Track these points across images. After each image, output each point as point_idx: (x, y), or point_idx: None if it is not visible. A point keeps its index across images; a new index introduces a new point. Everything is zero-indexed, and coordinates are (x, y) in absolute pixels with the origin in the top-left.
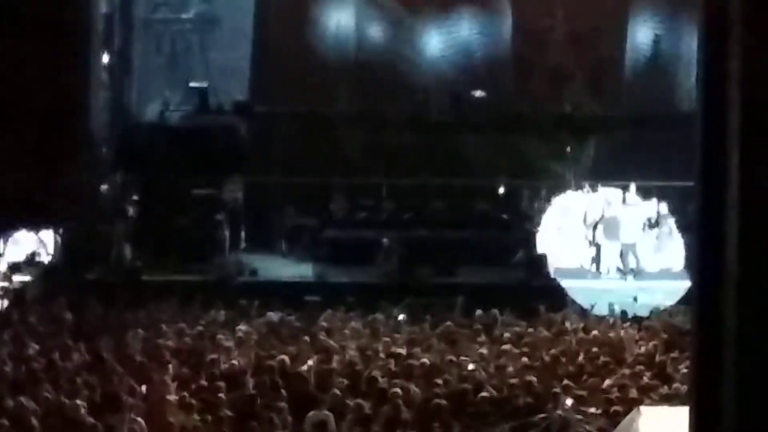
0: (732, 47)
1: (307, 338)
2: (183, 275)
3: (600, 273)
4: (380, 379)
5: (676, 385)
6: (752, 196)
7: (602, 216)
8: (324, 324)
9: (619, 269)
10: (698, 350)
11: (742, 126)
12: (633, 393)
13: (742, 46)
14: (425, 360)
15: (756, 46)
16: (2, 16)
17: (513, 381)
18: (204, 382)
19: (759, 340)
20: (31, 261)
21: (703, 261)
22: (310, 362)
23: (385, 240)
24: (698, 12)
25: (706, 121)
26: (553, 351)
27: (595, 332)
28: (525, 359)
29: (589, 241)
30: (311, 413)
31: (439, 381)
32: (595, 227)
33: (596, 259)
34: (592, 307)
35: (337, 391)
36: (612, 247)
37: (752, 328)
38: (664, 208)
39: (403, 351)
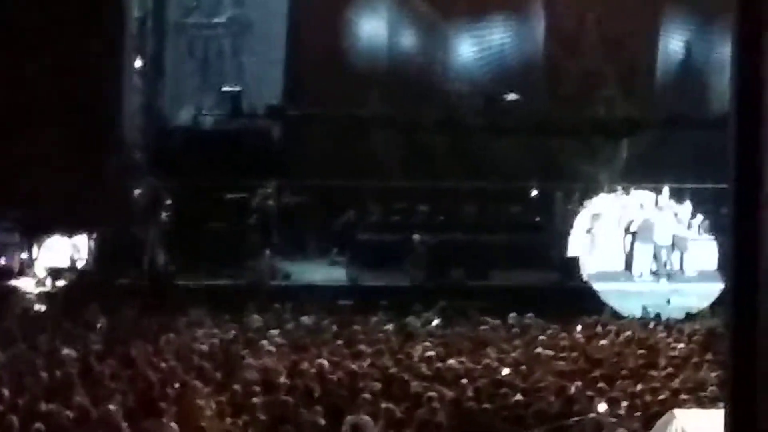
0: (765, 50)
1: (340, 342)
2: (216, 279)
3: (633, 276)
4: (414, 383)
5: (710, 387)
6: None
7: (636, 219)
8: (357, 327)
9: (653, 272)
10: (733, 352)
11: None
12: (667, 396)
13: None
14: (458, 363)
15: None
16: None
17: (546, 384)
18: (237, 387)
19: None
20: (65, 266)
21: (737, 262)
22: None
23: (416, 236)
24: (731, 16)
25: (739, 124)
26: (586, 354)
27: (628, 335)
28: (558, 362)
29: (623, 244)
30: (348, 417)
31: (473, 384)
32: (628, 230)
33: (629, 262)
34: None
35: (370, 395)
36: (645, 249)
37: None
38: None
39: (436, 354)
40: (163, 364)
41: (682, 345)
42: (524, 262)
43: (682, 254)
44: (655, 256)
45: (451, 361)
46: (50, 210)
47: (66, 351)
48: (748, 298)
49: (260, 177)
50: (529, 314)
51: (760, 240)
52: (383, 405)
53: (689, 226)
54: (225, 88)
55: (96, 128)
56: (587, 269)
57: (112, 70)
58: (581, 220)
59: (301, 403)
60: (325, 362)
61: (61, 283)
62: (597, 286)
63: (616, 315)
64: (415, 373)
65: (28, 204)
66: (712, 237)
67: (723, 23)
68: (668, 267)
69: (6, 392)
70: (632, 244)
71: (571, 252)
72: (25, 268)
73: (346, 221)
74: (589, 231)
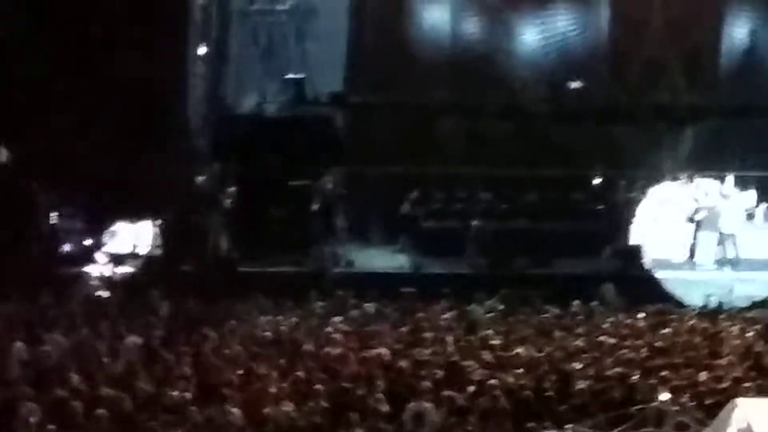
0: None
1: (403, 329)
2: (279, 267)
3: (696, 264)
4: (476, 371)
5: None
6: None
7: (699, 207)
8: (420, 315)
9: (716, 260)
10: None
11: None
12: (729, 384)
13: None
14: (521, 351)
15: None
16: (102, 10)
17: (610, 373)
18: (301, 373)
19: None
20: (129, 252)
21: None
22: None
23: (474, 222)
24: None
25: None
26: (649, 342)
27: (691, 323)
28: (621, 351)
29: (687, 233)
30: (410, 405)
31: (536, 372)
32: (692, 218)
33: (693, 251)
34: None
35: (432, 383)
36: (709, 238)
37: None
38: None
39: (498, 342)
40: (227, 351)
41: (745, 334)
42: (587, 249)
43: (745, 243)
44: (719, 245)
45: (514, 350)
46: (115, 196)
47: (130, 338)
48: None
49: (323, 164)
50: (595, 302)
51: None
52: (445, 393)
53: (754, 215)
54: (288, 75)
55: (160, 115)
56: (650, 257)
57: (177, 57)
58: (644, 208)
59: (364, 391)
60: (388, 350)
61: (124, 269)
62: (660, 275)
63: (679, 304)
64: (477, 360)
65: (92, 190)
66: None
67: None
68: (732, 255)
69: (71, 378)
70: (696, 232)
71: (633, 240)
72: (90, 254)
73: (409, 208)
74: (652, 219)
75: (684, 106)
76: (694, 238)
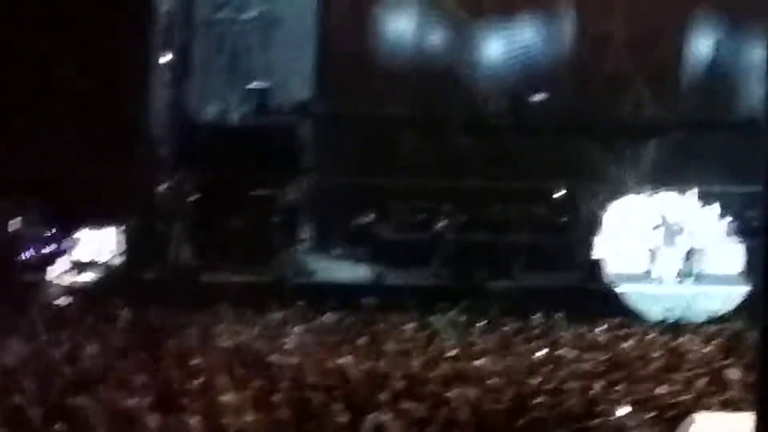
0: None
1: (363, 340)
2: (241, 276)
3: (656, 278)
4: (436, 383)
5: (732, 391)
6: None
7: (660, 221)
8: (380, 326)
9: (679, 274)
10: (762, 356)
11: None
12: (689, 399)
13: None
14: (481, 363)
15: None
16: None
17: (569, 386)
18: (260, 383)
19: None
20: (91, 259)
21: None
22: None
23: (436, 234)
24: (763, 17)
25: None
26: (608, 356)
27: (651, 337)
28: (581, 364)
29: (647, 246)
30: (370, 416)
31: (495, 385)
32: (652, 232)
33: (652, 264)
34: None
35: (391, 395)
36: (669, 252)
37: None
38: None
39: (459, 354)
40: (187, 360)
41: (705, 348)
42: (549, 262)
43: (706, 257)
44: (681, 259)
45: (474, 362)
46: (76, 203)
47: (90, 345)
48: None
49: (286, 174)
50: (555, 314)
51: None
52: (405, 404)
53: (715, 229)
54: (252, 85)
55: (123, 122)
56: (612, 271)
57: (140, 64)
58: (607, 222)
59: (323, 401)
60: (348, 360)
61: (86, 276)
62: (621, 288)
63: (639, 317)
64: (437, 372)
65: (54, 197)
66: (739, 240)
67: (753, 25)
68: (693, 270)
69: (29, 386)
70: (656, 246)
71: (596, 253)
72: (51, 261)
73: (371, 219)
74: (614, 232)
75: (647, 119)
76: (654, 252)
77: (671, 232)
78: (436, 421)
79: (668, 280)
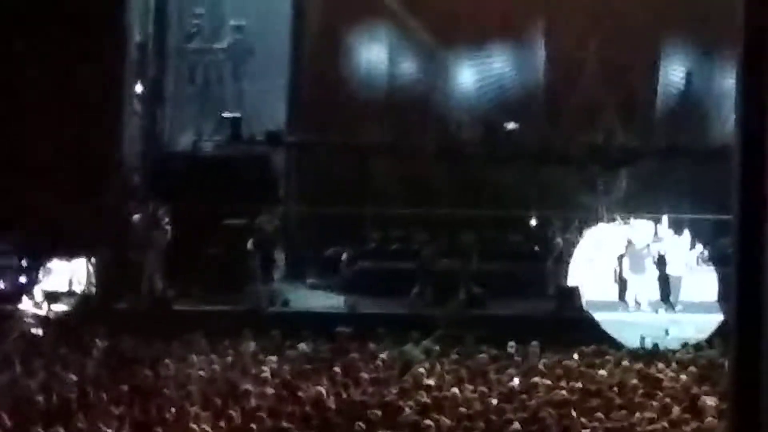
0: None
1: (338, 369)
2: (214, 305)
3: (629, 305)
4: (411, 411)
5: (708, 419)
6: None
7: (633, 249)
8: (355, 355)
9: (651, 302)
10: (736, 385)
11: None
12: (664, 426)
13: None
14: (456, 392)
15: None
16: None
17: (543, 414)
18: (235, 413)
19: None
20: (63, 290)
21: (741, 294)
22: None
23: (409, 263)
24: (732, 46)
25: (744, 155)
26: (583, 384)
27: (626, 364)
28: (555, 392)
29: (619, 274)
30: None
31: (470, 413)
32: (624, 259)
33: (624, 292)
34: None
35: (364, 425)
36: (640, 279)
37: None
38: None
39: (433, 383)
40: (161, 390)
41: (679, 376)
42: (523, 291)
43: (680, 285)
44: (655, 286)
45: (449, 390)
46: (49, 234)
47: (64, 375)
48: (751, 328)
49: (259, 203)
50: (532, 343)
51: (763, 271)
52: None
53: (688, 257)
54: (225, 114)
55: (96, 153)
56: (586, 298)
57: (113, 94)
58: (580, 249)
59: (298, 431)
60: (323, 390)
61: (59, 307)
62: (595, 316)
63: (614, 345)
64: (412, 401)
65: (27, 228)
66: (711, 268)
67: (723, 53)
68: (669, 298)
69: (3, 416)
70: (626, 273)
71: (569, 281)
72: (24, 292)
73: (344, 248)
74: (587, 260)
75: (619, 147)
76: (625, 280)
77: (644, 260)
78: None
79: (641, 308)
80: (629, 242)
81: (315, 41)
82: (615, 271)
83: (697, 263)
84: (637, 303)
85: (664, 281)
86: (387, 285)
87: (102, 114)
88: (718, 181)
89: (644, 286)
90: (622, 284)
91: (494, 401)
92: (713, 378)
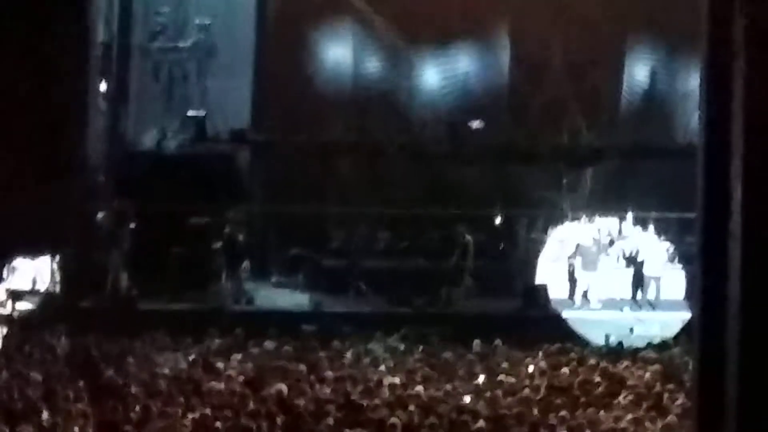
0: (735, 81)
1: (303, 367)
2: (179, 303)
3: (590, 303)
4: (376, 409)
5: (671, 417)
6: (755, 228)
7: (580, 247)
8: (320, 354)
9: (616, 300)
10: (700, 382)
11: (745, 158)
12: (629, 424)
13: (744, 80)
14: (421, 390)
15: (758, 80)
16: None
17: (508, 412)
18: (200, 411)
19: (762, 372)
20: (27, 289)
21: (705, 292)
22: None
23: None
24: (697, 45)
25: (708, 154)
26: (549, 382)
27: (591, 363)
28: (521, 390)
29: (569, 272)
30: None
31: (435, 411)
32: (572, 257)
33: (572, 290)
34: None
35: (332, 422)
36: (607, 278)
37: (755, 360)
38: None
39: (398, 381)
40: (126, 388)
41: (644, 374)
42: (488, 289)
43: (646, 283)
44: (642, 285)
45: (414, 388)
46: (12, 233)
47: (28, 374)
48: (716, 327)
49: (224, 201)
50: (495, 341)
51: (728, 269)
52: (345, 431)
53: (654, 255)
54: (189, 113)
55: (59, 151)
56: (551, 297)
57: (77, 93)
58: (545, 248)
59: (263, 429)
60: (287, 388)
61: (23, 305)
62: (561, 314)
63: (579, 343)
64: (377, 399)
65: None
66: (677, 266)
67: (688, 52)
68: (637, 296)
69: None
70: (576, 271)
71: (534, 279)
72: None
73: (309, 246)
74: (552, 258)
75: (584, 146)
76: (573, 278)
77: (590, 258)
78: None
79: (604, 306)
80: (594, 240)
81: (279, 40)
82: (579, 269)
83: (665, 262)
84: (587, 300)
85: (656, 281)
86: (351, 283)
87: (66, 112)
88: (684, 180)
89: (608, 283)
90: (586, 282)
91: (459, 399)
92: (678, 376)
